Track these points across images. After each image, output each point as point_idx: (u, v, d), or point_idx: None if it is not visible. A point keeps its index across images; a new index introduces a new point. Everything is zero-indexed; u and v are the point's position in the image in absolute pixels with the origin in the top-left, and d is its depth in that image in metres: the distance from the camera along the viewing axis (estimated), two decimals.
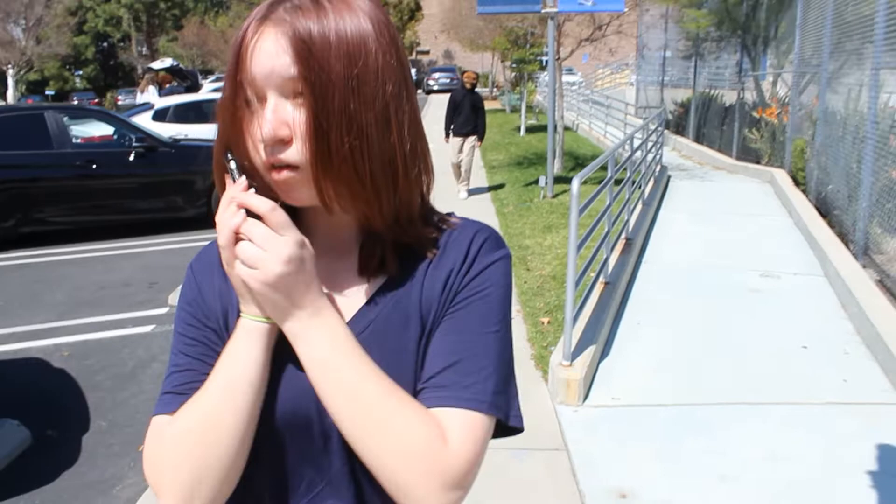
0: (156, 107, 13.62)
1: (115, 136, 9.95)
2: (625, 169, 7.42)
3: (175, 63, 18.59)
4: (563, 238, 7.92)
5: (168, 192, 9.59)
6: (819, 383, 4.50)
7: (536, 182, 11.76)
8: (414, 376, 0.93)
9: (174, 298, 6.22)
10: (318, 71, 0.84)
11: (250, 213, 0.85)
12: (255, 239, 0.85)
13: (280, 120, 0.85)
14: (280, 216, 0.86)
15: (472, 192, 11.57)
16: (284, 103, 0.86)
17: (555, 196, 10.73)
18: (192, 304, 1.01)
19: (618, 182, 6.73)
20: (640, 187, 8.99)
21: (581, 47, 12.90)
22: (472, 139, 11.06)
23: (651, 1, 16.28)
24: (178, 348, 1.00)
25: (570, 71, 39.49)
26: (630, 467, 3.62)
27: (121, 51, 62.29)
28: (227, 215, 0.86)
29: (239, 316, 0.93)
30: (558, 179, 11.41)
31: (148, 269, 7.90)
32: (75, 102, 41.83)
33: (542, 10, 10.13)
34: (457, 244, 0.98)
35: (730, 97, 14.51)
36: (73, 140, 9.59)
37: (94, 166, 9.07)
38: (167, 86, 17.88)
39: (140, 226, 9.59)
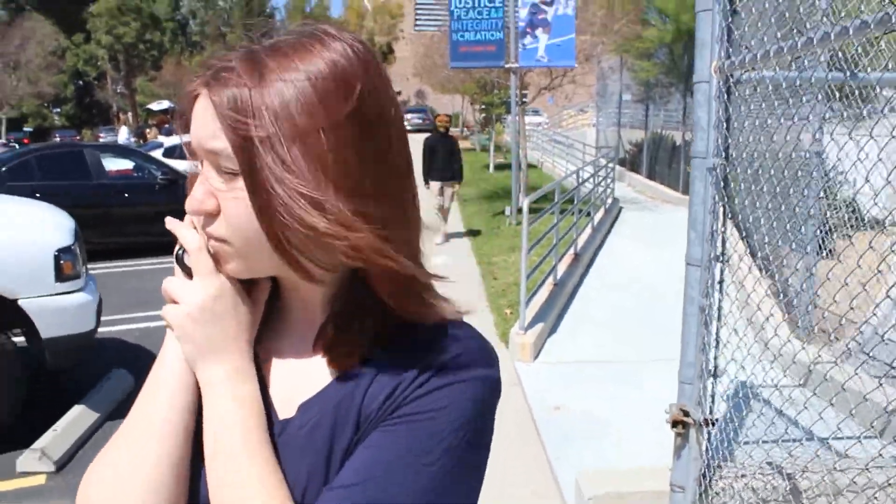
0: (165, 145, 15.23)
1: (135, 171, 11.52)
2: (573, 198, 9.14)
3: (172, 105, 20.18)
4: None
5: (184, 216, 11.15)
6: None
7: (503, 213, 13.46)
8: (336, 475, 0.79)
9: None
10: (242, 145, 0.75)
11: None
12: (176, 275, 0.84)
13: (206, 192, 0.79)
14: (205, 257, 0.82)
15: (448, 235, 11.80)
16: (213, 173, 0.79)
17: (518, 224, 12.43)
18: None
19: (566, 209, 8.44)
20: (588, 214, 10.73)
21: (541, 94, 14.72)
22: (451, 184, 11.17)
23: (606, 53, 18.25)
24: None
25: (536, 112, 41.44)
26: (564, 395, 5.25)
27: (98, 89, 63.48)
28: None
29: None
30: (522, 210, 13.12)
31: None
32: (57, 139, 43.17)
33: (506, 66, 11.95)
34: (423, 349, 0.81)
35: (678, 137, 16.39)
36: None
37: (126, 195, 10.63)
38: (165, 126, 19.45)
39: (161, 246, 11.11)
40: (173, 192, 11.09)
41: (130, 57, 59.59)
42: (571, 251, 8.85)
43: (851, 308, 3.05)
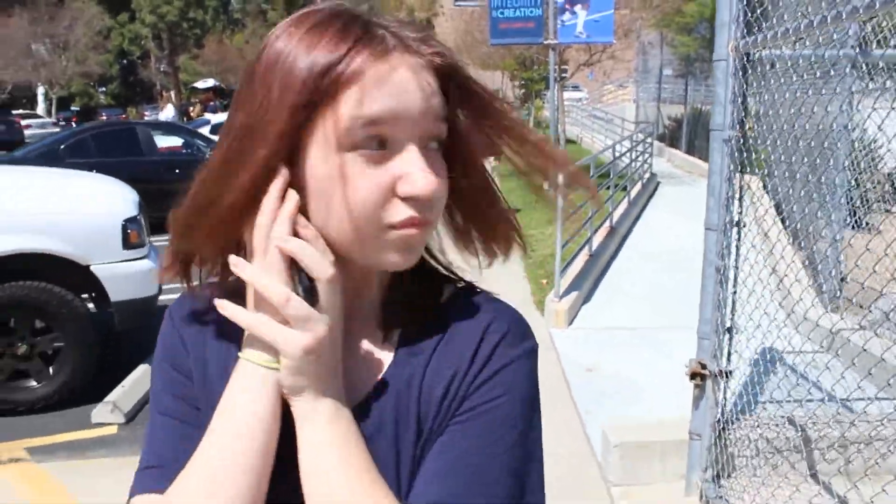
0: (212, 122, 15.68)
1: (183, 147, 11.95)
2: (609, 172, 9.35)
3: (217, 83, 20.69)
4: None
5: None
6: None
7: (546, 190, 13.67)
8: (408, 480, 0.79)
9: None
10: (460, 113, 0.78)
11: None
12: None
13: (434, 172, 0.74)
14: (336, 288, 0.76)
15: None
16: (425, 150, 0.75)
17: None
18: (166, 346, 0.87)
19: (602, 183, 8.66)
20: (625, 188, 10.92)
21: (580, 70, 14.87)
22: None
23: (646, 28, 18.27)
24: (157, 406, 0.84)
25: (576, 87, 41.35)
26: (596, 359, 5.53)
27: (142, 68, 64.48)
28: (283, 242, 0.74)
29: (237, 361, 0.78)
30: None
31: None
32: (104, 118, 44.22)
33: (545, 42, 12.12)
34: (468, 332, 0.82)
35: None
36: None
37: (177, 171, 11.06)
38: (210, 104, 19.94)
39: None
40: None
41: (174, 35, 60.33)
42: (607, 224, 9.08)
43: (874, 272, 3.28)
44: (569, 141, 18.78)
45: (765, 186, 11.98)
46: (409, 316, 0.84)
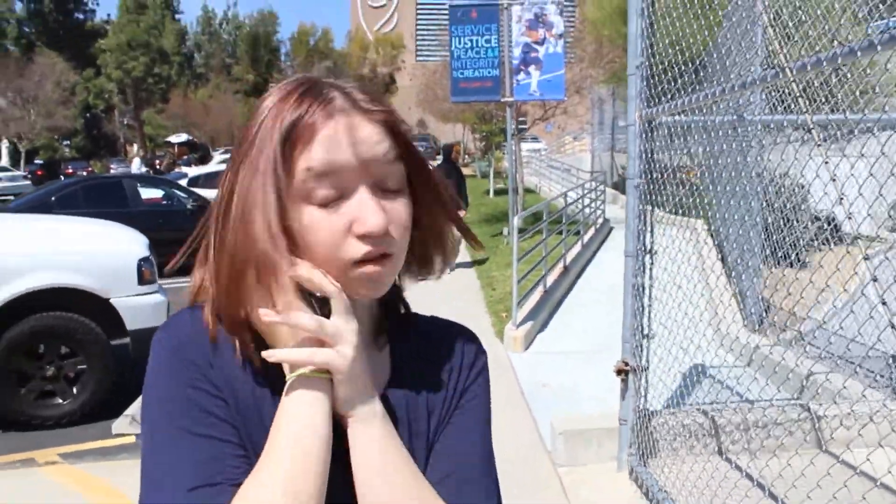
0: (189, 175, 16.46)
1: (164, 199, 12.70)
2: (562, 217, 10.29)
3: (190, 137, 21.50)
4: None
5: None
6: None
7: (501, 233, 14.62)
8: (423, 463, 0.95)
9: None
10: (409, 153, 0.89)
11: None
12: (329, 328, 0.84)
13: (381, 210, 0.85)
14: (346, 300, 0.86)
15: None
16: (376, 192, 0.86)
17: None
18: (187, 376, 0.88)
19: (555, 228, 9.59)
20: (577, 232, 11.89)
21: (535, 124, 15.95)
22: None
23: (597, 84, 19.52)
24: (184, 429, 0.85)
25: (535, 139, 42.81)
26: (548, 376, 6.37)
27: (106, 121, 64.85)
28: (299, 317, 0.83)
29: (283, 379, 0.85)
30: (519, 231, 14.30)
31: None
32: (70, 171, 44.65)
33: (502, 99, 13.19)
34: (451, 343, 1.02)
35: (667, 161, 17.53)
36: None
37: (160, 221, 11.80)
38: (184, 157, 20.71)
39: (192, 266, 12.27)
40: (202, 217, 12.28)
41: (139, 90, 61.10)
42: (561, 264, 9.99)
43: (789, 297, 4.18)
44: (527, 190, 19.82)
45: (709, 228, 13.02)
46: (396, 331, 1.01)
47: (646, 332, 4.23)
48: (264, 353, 0.84)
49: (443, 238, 0.98)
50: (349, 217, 0.84)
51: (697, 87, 3.79)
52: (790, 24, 3.64)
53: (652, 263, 4.20)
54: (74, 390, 5.59)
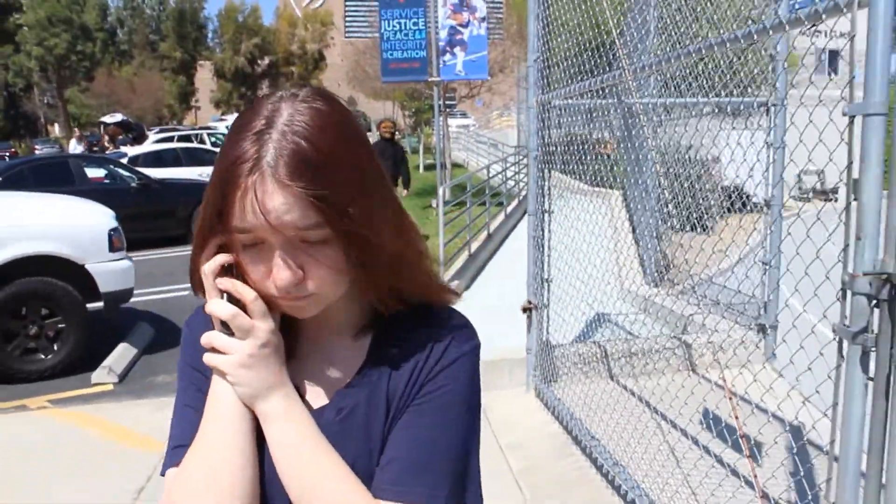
0: (129, 155, 16.91)
1: (106, 177, 13.23)
2: (485, 188, 11.26)
3: (125, 118, 21.76)
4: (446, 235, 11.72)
5: (158, 217, 12.94)
6: None
7: (430, 205, 15.55)
8: (378, 451, 1.01)
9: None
10: (333, 214, 0.90)
11: (231, 298, 0.97)
12: (235, 328, 0.97)
13: (296, 264, 0.92)
14: (260, 305, 0.97)
15: None
16: (293, 246, 0.92)
17: (445, 214, 14.55)
18: (192, 357, 1.08)
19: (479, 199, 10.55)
20: (500, 203, 12.88)
21: (461, 102, 16.86)
22: (398, 189, 12.69)
23: (519, 63, 20.54)
24: (182, 399, 1.08)
25: (464, 115, 43.72)
26: (474, 324, 7.31)
27: (25, 100, 63.35)
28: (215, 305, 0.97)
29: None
30: (446, 203, 15.26)
31: (160, 266, 11.26)
32: None
33: (429, 79, 14.06)
34: (426, 335, 1.05)
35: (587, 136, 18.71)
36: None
37: (106, 199, 12.34)
38: (119, 137, 21.01)
39: (137, 242, 12.86)
40: (145, 195, 12.89)
41: (62, 68, 59.86)
42: (485, 232, 10.97)
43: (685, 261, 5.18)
44: (456, 165, 20.78)
45: (625, 198, 14.13)
46: (376, 325, 1.06)
47: (545, 276, 5.20)
48: (205, 336, 1.01)
49: (399, 271, 1.01)
50: (267, 265, 0.94)
51: (584, 77, 4.74)
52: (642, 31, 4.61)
53: (550, 221, 5.17)
54: (55, 347, 6.32)
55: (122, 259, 6.62)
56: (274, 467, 0.98)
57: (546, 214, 5.10)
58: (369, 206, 0.94)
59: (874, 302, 1.89)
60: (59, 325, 6.32)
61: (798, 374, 2.63)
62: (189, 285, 1.06)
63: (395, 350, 1.05)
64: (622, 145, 7.91)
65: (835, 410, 2.07)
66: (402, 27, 13.98)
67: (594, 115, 5.44)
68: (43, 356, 6.31)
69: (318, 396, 1.04)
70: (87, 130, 47.65)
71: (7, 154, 42.72)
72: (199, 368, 1.05)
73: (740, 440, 2.97)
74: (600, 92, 5.57)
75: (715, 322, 6.04)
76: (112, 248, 6.50)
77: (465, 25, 14.15)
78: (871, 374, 1.94)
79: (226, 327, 0.97)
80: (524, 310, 5.19)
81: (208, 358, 0.98)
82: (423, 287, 1.06)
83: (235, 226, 0.91)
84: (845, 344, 1.98)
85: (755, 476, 2.96)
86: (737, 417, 2.98)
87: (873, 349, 1.92)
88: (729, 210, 7.55)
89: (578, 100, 4.97)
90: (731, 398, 2.91)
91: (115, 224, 6.63)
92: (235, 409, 0.98)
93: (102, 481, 4.31)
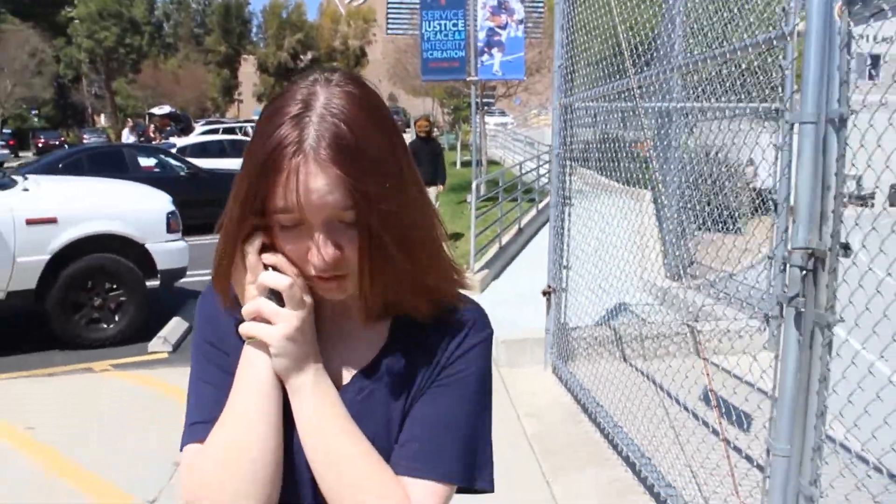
0: (177, 146, 17.66)
1: (156, 167, 13.93)
2: (516, 184, 11.73)
3: (173, 110, 22.58)
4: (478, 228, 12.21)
5: (205, 205, 13.59)
6: None
7: (465, 200, 16.05)
8: (397, 427, 1.06)
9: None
10: (365, 199, 0.94)
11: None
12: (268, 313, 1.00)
13: (335, 244, 0.96)
14: (301, 282, 1.01)
15: None
16: (332, 226, 0.96)
17: (477, 209, 15.03)
18: (210, 334, 1.11)
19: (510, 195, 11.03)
20: (532, 200, 13.35)
21: (499, 101, 17.34)
22: (434, 187, 11.84)
23: None
24: (200, 377, 1.10)
25: (502, 113, 44.13)
26: (499, 311, 7.80)
27: (74, 91, 64.85)
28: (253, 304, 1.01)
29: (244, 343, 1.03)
30: (479, 197, 15.76)
31: (205, 250, 11.90)
32: (41, 141, 45.26)
33: (467, 78, 14.57)
34: (445, 322, 1.09)
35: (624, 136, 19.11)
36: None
37: (158, 187, 13.05)
38: (167, 128, 21.82)
39: (186, 228, 13.57)
40: (194, 183, 13.57)
41: (110, 60, 61.26)
42: (516, 226, 11.45)
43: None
44: (492, 162, 21.25)
45: (654, 197, 14.45)
46: (396, 310, 1.09)
47: (563, 263, 5.68)
48: (240, 327, 1.02)
49: (422, 254, 1.04)
50: (305, 244, 0.97)
51: (598, 84, 5.21)
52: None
53: (569, 213, 5.64)
54: (116, 318, 6.95)
55: (178, 240, 7.23)
56: (300, 443, 1.02)
57: (566, 207, 5.58)
58: (401, 186, 0.99)
59: (804, 273, 2.36)
60: (121, 299, 6.93)
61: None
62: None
63: (415, 333, 1.08)
64: (655, 145, 8.32)
65: (776, 361, 2.55)
66: (443, 28, 14.50)
67: (625, 115, 5.87)
68: (105, 325, 6.93)
69: (339, 376, 1.08)
70: (134, 121, 48.83)
71: (57, 142, 44.38)
72: (217, 345, 1.10)
73: (710, 394, 3.44)
74: (619, 95, 6.02)
75: (723, 312, 6.45)
76: (169, 230, 7.10)
77: (503, 27, 14.63)
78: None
79: (275, 297, 1.00)
80: (544, 293, 5.68)
81: (251, 327, 1.01)
82: (442, 272, 1.09)
83: (278, 207, 0.94)
84: (784, 307, 2.46)
85: (720, 423, 3.43)
86: (707, 374, 3.45)
87: (804, 310, 2.39)
88: (757, 210, 7.78)
89: (599, 103, 5.43)
90: (704, 360, 3.37)
91: (172, 208, 7.24)
92: (269, 381, 1.01)
93: (165, 432, 4.87)
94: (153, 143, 21.07)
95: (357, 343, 1.09)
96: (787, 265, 2.42)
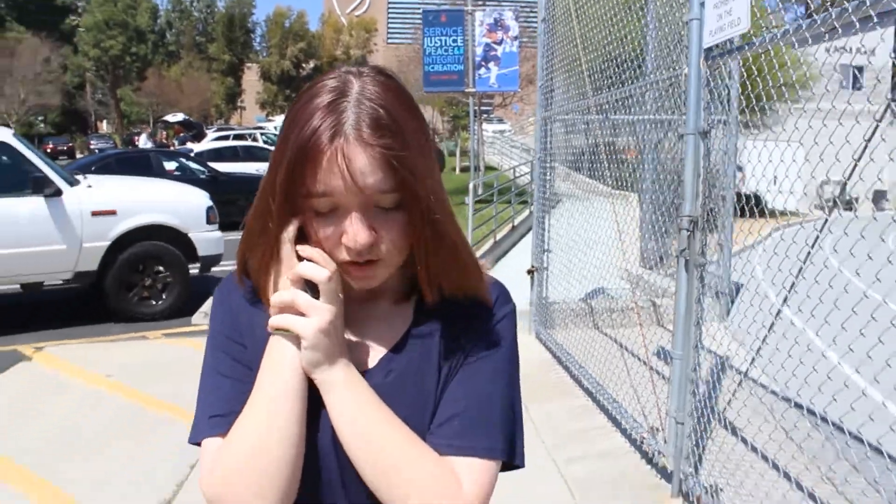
0: (194, 151, 18.86)
1: (176, 170, 15.09)
2: (510, 187, 12.91)
3: (186, 117, 23.78)
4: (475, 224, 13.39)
5: (224, 205, 14.75)
6: None
7: (463, 202, 17.22)
8: (431, 420, 1.05)
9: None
10: (412, 174, 0.96)
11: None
12: (302, 305, 0.99)
13: (369, 227, 0.97)
14: (333, 285, 1.00)
15: None
16: (368, 210, 0.97)
17: (476, 212, 16.21)
18: (228, 327, 1.10)
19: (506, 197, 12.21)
20: (525, 202, 14.53)
21: (495, 111, 18.54)
22: None
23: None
24: (216, 369, 1.09)
25: (500, 121, 45.29)
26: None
27: (78, 98, 65.89)
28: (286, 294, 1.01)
29: (269, 335, 1.03)
30: (478, 201, 16.93)
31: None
32: (50, 147, 46.40)
33: (465, 90, 15.78)
34: (472, 298, 1.10)
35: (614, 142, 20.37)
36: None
37: None
38: (181, 135, 23.01)
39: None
40: (213, 185, 14.70)
41: (116, 68, 62.45)
42: (510, 224, 12.62)
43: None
44: (489, 167, 22.42)
45: (639, 200, 15.54)
46: (418, 289, 1.09)
47: (545, 248, 6.85)
48: (271, 319, 1.02)
49: (449, 242, 1.05)
50: (341, 229, 0.98)
51: (577, 98, 6.36)
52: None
53: (550, 207, 6.81)
54: (163, 296, 8.11)
55: (215, 231, 8.40)
56: (327, 438, 1.03)
57: (546, 202, 6.74)
58: (432, 171, 1.02)
59: (689, 233, 3.53)
60: (168, 280, 8.10)
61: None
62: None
63: (440, 312, 1.09)
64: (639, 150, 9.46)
65: (676, 297, 3.72)
66: (443, 43, 15.72)
67: (616, 125, 7.04)
68: (154, 302, 8.09)
69: (364, 359, 1.08)
70: (138, 128, 49.97)
71: (66, 147, 45.54)
72: (235, 339, 1.09)
73: (641, 337, 4.60)
74: (589, 109, 7.20)
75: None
76: (208, 222, 8.27)
77: (499, 43, 15.84)
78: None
79: (310, 290, 1.00)
80: (528, 272, 6.84)
81: (285, 319, 1.00)
82: (470, 251, 1.12)
83: (317, 191, 0.95)
84: (679, 258, 3.63)
85: (646, 350, 4.59)
86: (640, 325, 4.60)
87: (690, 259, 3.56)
88: (742, 212, 8.81)
89: (572, 115, 6.60)
90: (638, 313, 4.52)
91: (210, 203, 8.42)
92: (296, 378, 1.01)
93: None
94: (168, 149, 22.26)
95: (382, 324, 1.11)
96: (683, 229, 3.59)
